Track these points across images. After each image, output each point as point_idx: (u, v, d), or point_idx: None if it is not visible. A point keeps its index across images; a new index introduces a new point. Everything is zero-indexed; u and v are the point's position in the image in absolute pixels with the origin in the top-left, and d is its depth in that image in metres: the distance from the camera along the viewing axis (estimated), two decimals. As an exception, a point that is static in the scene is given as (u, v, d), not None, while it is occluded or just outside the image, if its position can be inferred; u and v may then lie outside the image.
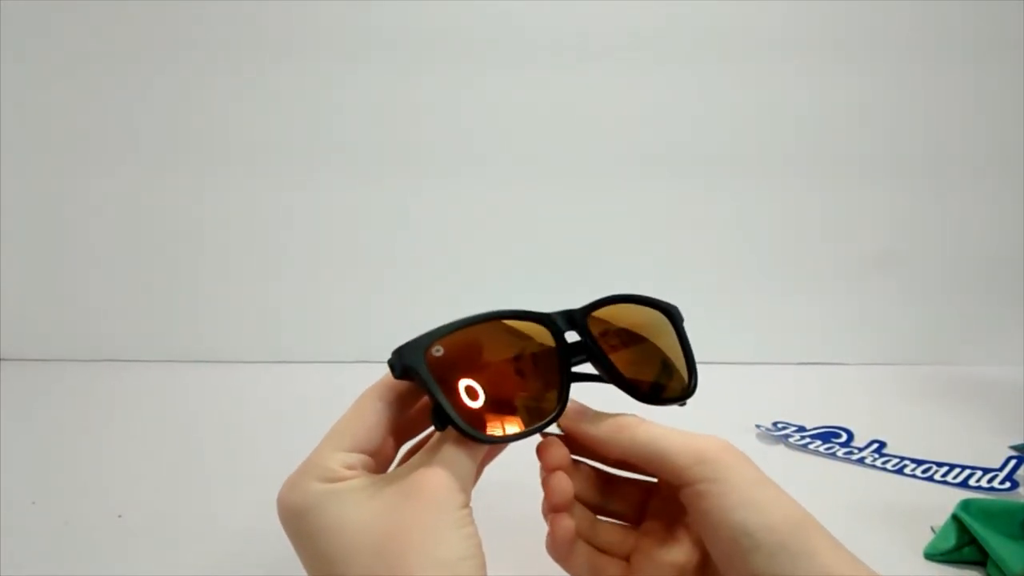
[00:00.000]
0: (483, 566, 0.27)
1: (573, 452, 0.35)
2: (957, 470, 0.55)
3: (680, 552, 0.33)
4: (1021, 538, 0.42)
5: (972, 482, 0.53)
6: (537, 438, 0.34)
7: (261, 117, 0.74)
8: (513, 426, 0.31)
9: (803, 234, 0.78)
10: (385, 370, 0.31)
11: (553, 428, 0.33)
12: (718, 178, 0.76)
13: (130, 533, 0.47)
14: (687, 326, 0.36)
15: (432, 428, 0.32)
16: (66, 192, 0.75)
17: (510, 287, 0.77)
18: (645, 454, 0.32)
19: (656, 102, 0.74)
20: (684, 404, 0.35)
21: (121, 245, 0.76)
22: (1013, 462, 0.55)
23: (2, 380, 0.73)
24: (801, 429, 0.63)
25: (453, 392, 0.30)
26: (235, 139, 0.74)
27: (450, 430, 0.30)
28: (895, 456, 0.58)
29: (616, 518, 0.36)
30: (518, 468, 0.35)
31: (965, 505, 0.45)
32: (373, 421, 0.31)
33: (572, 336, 0.34)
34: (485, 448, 0.31)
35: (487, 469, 0.34)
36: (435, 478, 0.28)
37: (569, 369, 0.33)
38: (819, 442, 0.60)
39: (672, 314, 0.36)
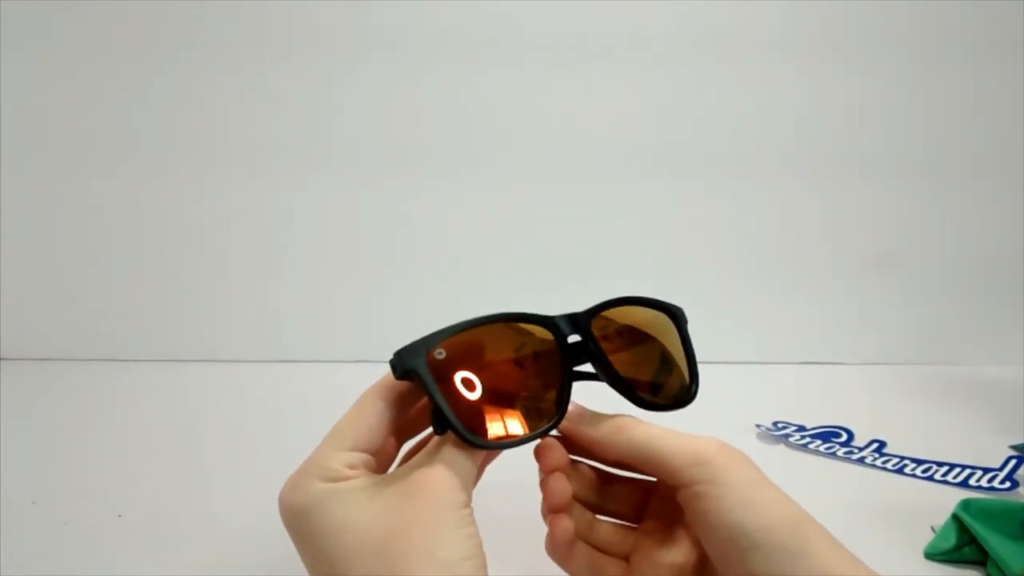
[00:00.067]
0: (484, 566, 0.27)
1: (571, 453, 0.35)
2: (957, 470, 0.55)
3: (679, 552, 0.33)
4: (1021, 538, 0.42)
5: (972, 482, 0.53)
6: (536, 439, 0.34)
7: (261, 117, 0.74)
8: (513, 430, 0.31)
9: (803, 234, 0.78)
10: (386, 369, 0.31)
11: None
12: (718, 178, 0.76)
13: (130, 533, 0.47)
14: (688, 327, 0.36)
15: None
16: (66, 192, 0.75)
17: (510, 287, 0.77)
18: (642, 455, 0.32)
19: (656, 102, 0.74)
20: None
21: (121, 245, 0.76)
22: (1013, 462, 0.55)
23: (2, 380, 0.73)
24: (801, 429, 0.63)
25: (454, 395, 0.30)
26: (235, 139, 0.74)
27: (451, 430, 0.30)
28: (895, 456, 0.58)
29: (616, 518, 0.36)
30: (518, 469, 0.35)
31: (965, 505, 0.45)
32: (374, 421, 0.31)
33: (574, 338, 0.34)
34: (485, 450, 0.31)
35: (487, 469, 0.34)
36: (436, 478, 0.28)
37: (571, 374, 0.33)
38: (819, 442, 0.60)
39: (677, 316, 0.35)
